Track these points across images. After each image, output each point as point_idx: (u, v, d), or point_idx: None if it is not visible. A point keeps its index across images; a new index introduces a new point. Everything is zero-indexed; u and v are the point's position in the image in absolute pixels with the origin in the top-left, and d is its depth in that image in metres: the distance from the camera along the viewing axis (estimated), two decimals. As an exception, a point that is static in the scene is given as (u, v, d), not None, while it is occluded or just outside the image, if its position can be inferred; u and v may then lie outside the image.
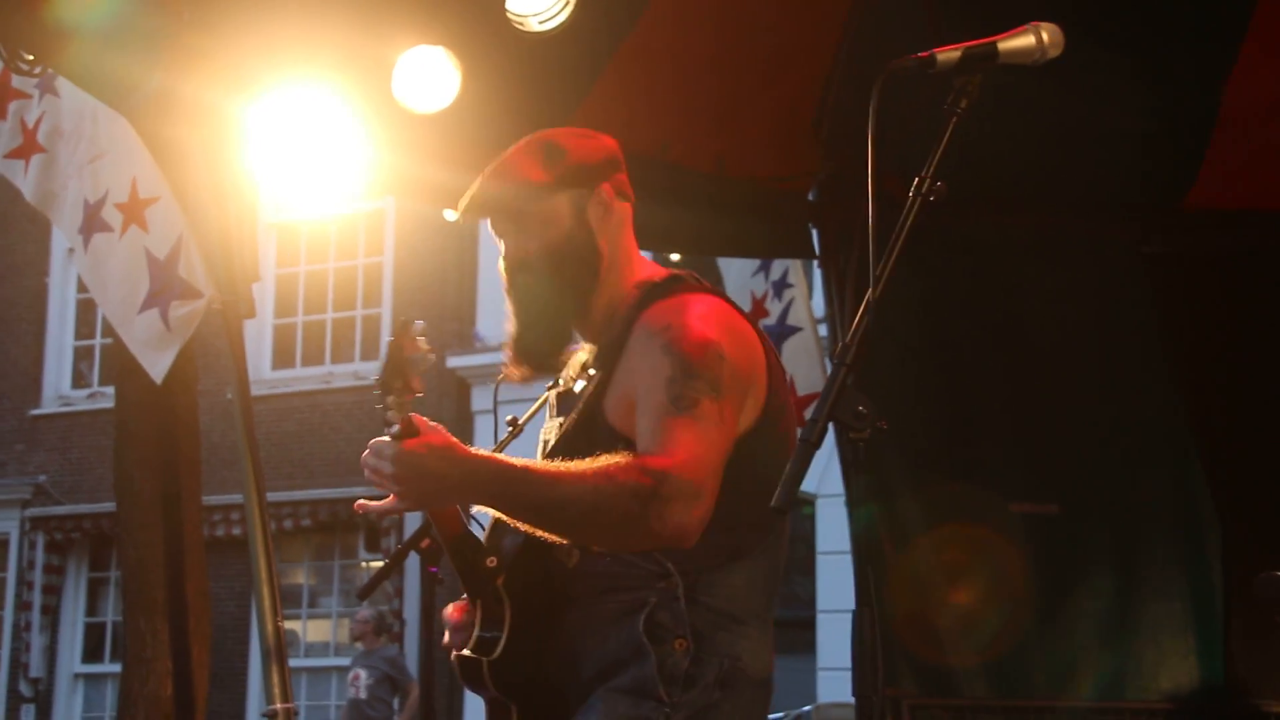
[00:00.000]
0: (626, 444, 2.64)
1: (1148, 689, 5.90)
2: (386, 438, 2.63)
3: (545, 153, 2.89)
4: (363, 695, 11.57)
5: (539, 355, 2.98)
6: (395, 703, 11.72)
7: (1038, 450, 5.91)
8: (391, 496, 2.67)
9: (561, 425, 2.87)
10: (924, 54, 2.36)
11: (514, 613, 2.77)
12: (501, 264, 2.97)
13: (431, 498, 2.68)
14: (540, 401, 3.27)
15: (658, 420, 2.62)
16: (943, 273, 5.68)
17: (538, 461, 2.64)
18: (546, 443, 2.94)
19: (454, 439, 2.63)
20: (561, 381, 3.04)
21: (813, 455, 2.21)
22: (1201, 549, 5.89)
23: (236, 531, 14.08)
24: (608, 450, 2.58)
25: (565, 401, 2.98)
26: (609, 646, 2.72)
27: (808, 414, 2.27)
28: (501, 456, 2.61)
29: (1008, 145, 5.27)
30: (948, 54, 2.36)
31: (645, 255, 3.09)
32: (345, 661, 13.71)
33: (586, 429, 2.75)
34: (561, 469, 2.56)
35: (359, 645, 12.22)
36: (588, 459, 2.57)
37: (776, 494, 2.20)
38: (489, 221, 2.97)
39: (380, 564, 3.29)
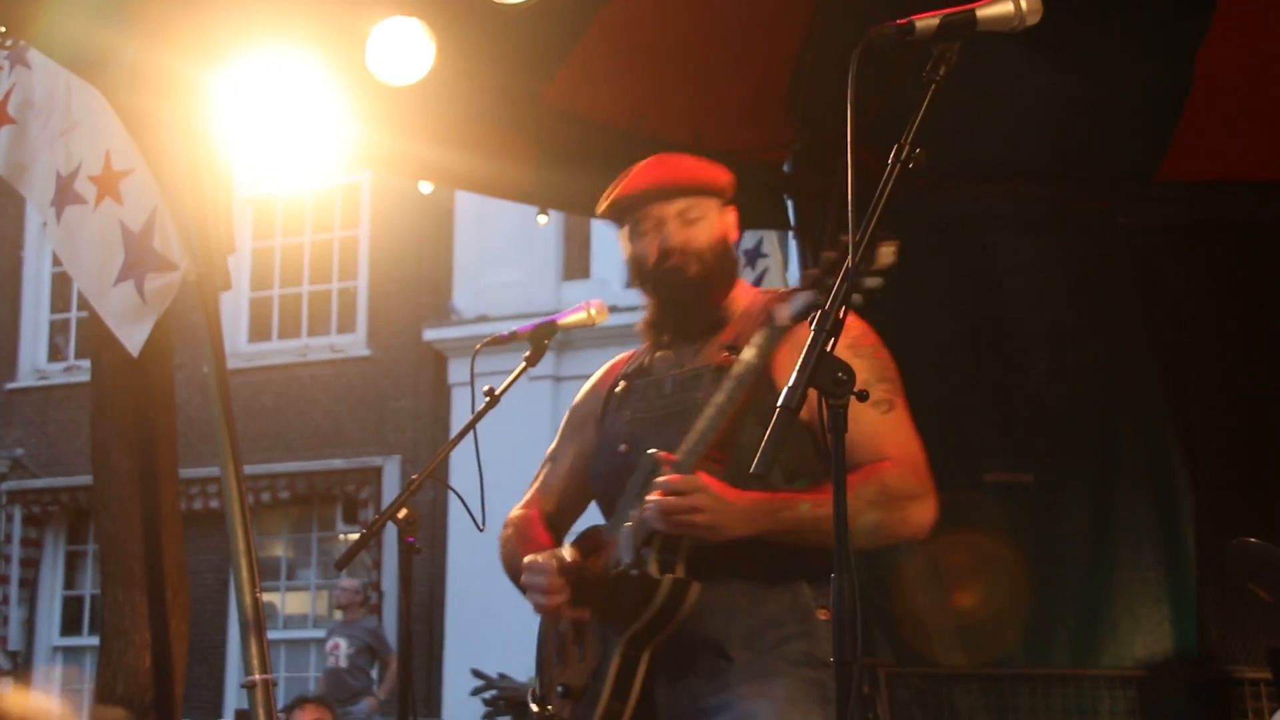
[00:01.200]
0: (804, 429, 2.82)
1: (1122, 656, 5.94)
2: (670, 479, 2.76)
3: (721, 167, 3.17)
4: (343, 664, 11.57)
5: (670, 334, 3.16)
6: (374, 673, 11.73)
7: (1013, 420, 5.94)
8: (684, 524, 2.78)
9: (700, 408, 2.91)
10: (903, 21, 2.36)
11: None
12: (656, 247, 3.09)
13: (724, 527, 2.78)
14: (515, 374, 3.33)
15: (872, 425, 2.86)
16: (919, 245, 5.69)
17: (791, 491, 2.83)
18: (637, 422, 3.09)
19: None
20: (652, 371, 3.17)
21: (792, 422, 2.21)
22: (1175, 517, 5.93)
23: (214, 505, 14.06)
24: None
25: (658, 389, 3.10)
26: (768, 610, 2.88)
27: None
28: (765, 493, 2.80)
29: (983, 117, 5.28)
30: (926, 21, 2.37)
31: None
32: (324, 634, 13.73)
33: (758, 412, 2.83)
34: (822, 487, 2.70)
35: (339, 615, 12.22)
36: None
37: (756, 460, 2.22)
38: (674, 205, 3.10)
39: (357, 535, 3.30)
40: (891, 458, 2.88)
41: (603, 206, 3.18)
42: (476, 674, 11.08)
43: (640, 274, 3.14)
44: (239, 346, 15.35)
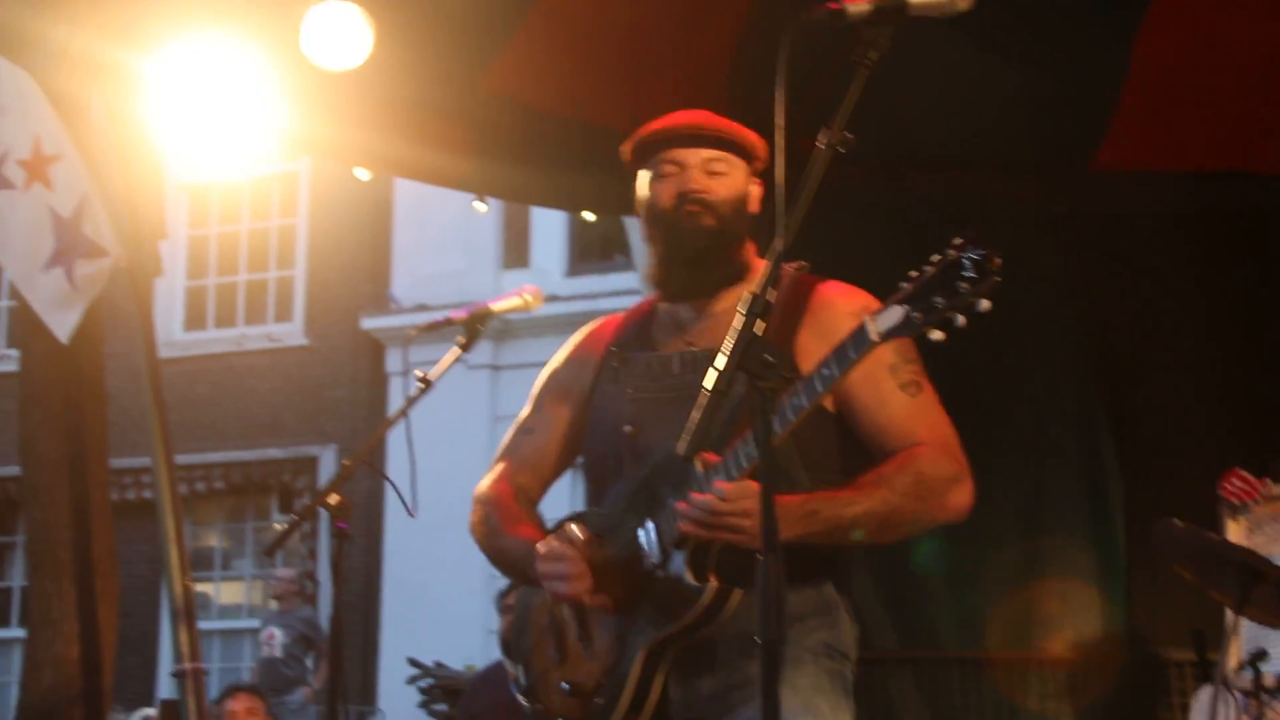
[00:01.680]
0: (830, 420, 2.82)
1: (1052, 640, 6.01)
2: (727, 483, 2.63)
3: (757, 136, 3.01)
4: (278, 654, 11.50)
5: (677, 285, 3.01)
6: (310, 662, 11.67)
7: (945, 406, 5.97)
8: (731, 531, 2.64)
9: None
10: (835, 5, 2.37)
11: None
12: (674, 190, 2.95)
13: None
14: (449, 359, 3.29)
15: (903, 408, 2.82)
16: (852, 233, 5.71)
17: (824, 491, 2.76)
18: (638, 400, 2.96)
19: None
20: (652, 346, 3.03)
21: (721, 404, 2.21)
22: (1105, 502, 6.00)
23: (148, 495, 13.90)
24: None
25: (664, 367, 2.96)
26: (793, 607, 2.78)
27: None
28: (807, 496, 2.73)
29: (915, 105, 5.31)
30: (858, 6, 2.37)
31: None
32: (259, 624, 13.65)
33: (804, 427, 2.72)
34: (856, 486, 2.74)
35: (275, 605, 12.14)
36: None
37: (683, 441, 2.21)
38: (700, 153, 2.97)
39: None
40: (925, 441, 2.80)
41: (627, 147, 3.04)
42: (412, 663, 11.06)
43: (652, 218, 2.98)
44: (174, 335, 15.21)
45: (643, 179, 3.02)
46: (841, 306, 2.86)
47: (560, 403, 3.12)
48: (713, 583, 2.67)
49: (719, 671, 2.80)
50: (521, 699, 2.99)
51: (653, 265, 3.02)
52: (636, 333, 3.06)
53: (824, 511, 2.70)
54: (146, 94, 4.32)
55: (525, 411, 3.19)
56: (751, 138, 3.00)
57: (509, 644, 3.17)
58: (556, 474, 3.16)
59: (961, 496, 2.82)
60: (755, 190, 3.01)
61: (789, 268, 2.94)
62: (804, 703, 2.75)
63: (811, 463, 2.82)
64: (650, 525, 2.76)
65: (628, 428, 2.92)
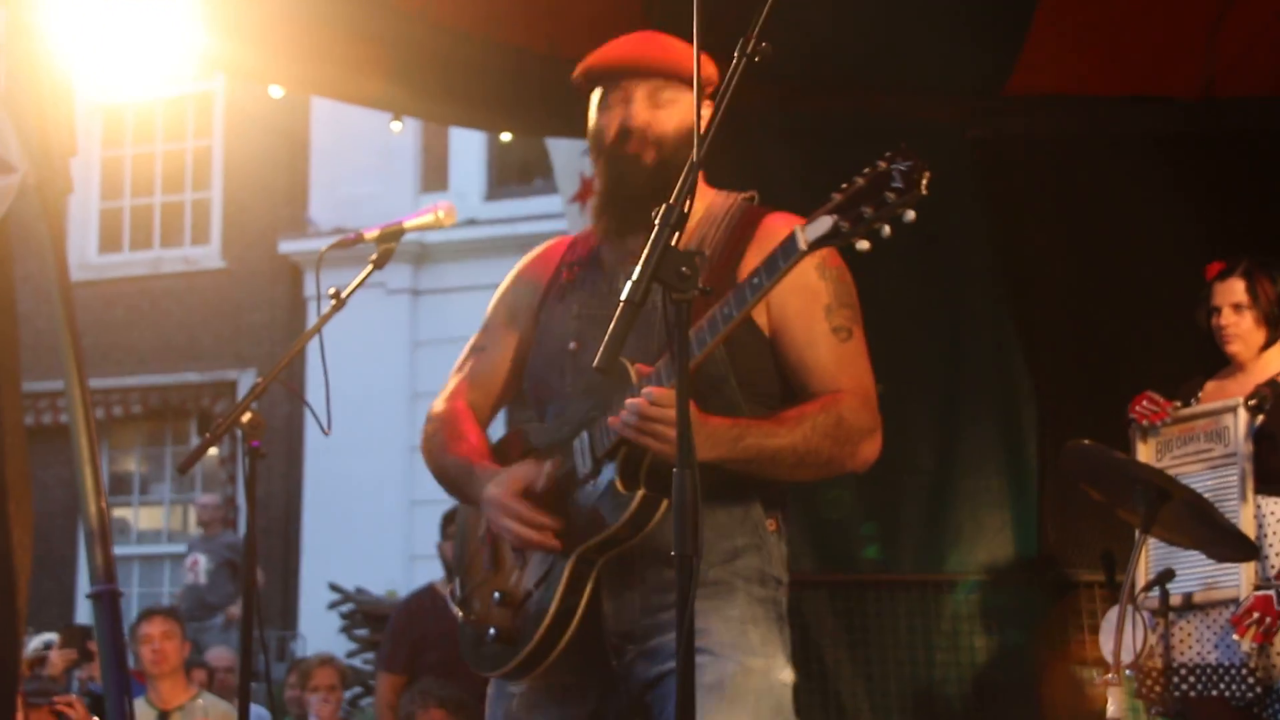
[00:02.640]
0: (752, 330, 2.80)
1: (966, 562, 6.10)
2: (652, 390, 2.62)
3: (708, 59, 2.91)
4: (202, 580, 11.45)
5: (618, 220, 2.95)
6: (234, 588, 11.64)
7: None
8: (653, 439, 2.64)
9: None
10: None
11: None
12: (617, 124, 2.91)
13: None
14: (362, 276, 3.26)
15: (831, 352, 2.83)
16: (771, 156, 5.72)
17: (755, 419, 2.76)
18: (585, 318, 2.95)
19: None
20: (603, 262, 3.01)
21: (636, 315, 2.21)
22: (1018, 427, 6.08)
23: (64, 419, 13.77)
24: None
25: (610, 285, 2.94)
26: (719, 521, 2.81)
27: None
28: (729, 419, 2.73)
29: (829, 28, 5.29)
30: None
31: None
32: (179, 548, 13.57)
33: (734, 341, 2.72)
34: (781, 419, 2.75)
35: (199, 531, 12.09)
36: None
37: (599, 354, 2.21)
38: (646, 84, 2.92)
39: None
40: (846, 389, 2.81)
41: (577, 72, 2.99)
42: (334, 588, 11.07)
43: (597, 149, 2.95)
44: (89, 258, 15.00)
45: (591, 105, 2.99)
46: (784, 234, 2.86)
47: (510, 320, 3.12)
48: (639, 492, 2.68)
49: (650, 586, 2.81)
50: (457, 610, 3.00)
51: (596, 201, 3.00)
52: (587, 253, 3.05)
53: (749, 438, 2.72)
54: (53, 7, 4.22)
55: (479, 331, 3.19)
56: (707, 69, 2.91)
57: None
58: (507, 392, 3.15)
59: (872, 449, 2.86)
60: (706, 113, 2.92)
61: (739, 197, 2.95)
62: (735, 635, 2.78)
63: (750, 390, 2.83)
64: (584, 435, 2.78)
65: (572, 344, 2.93)
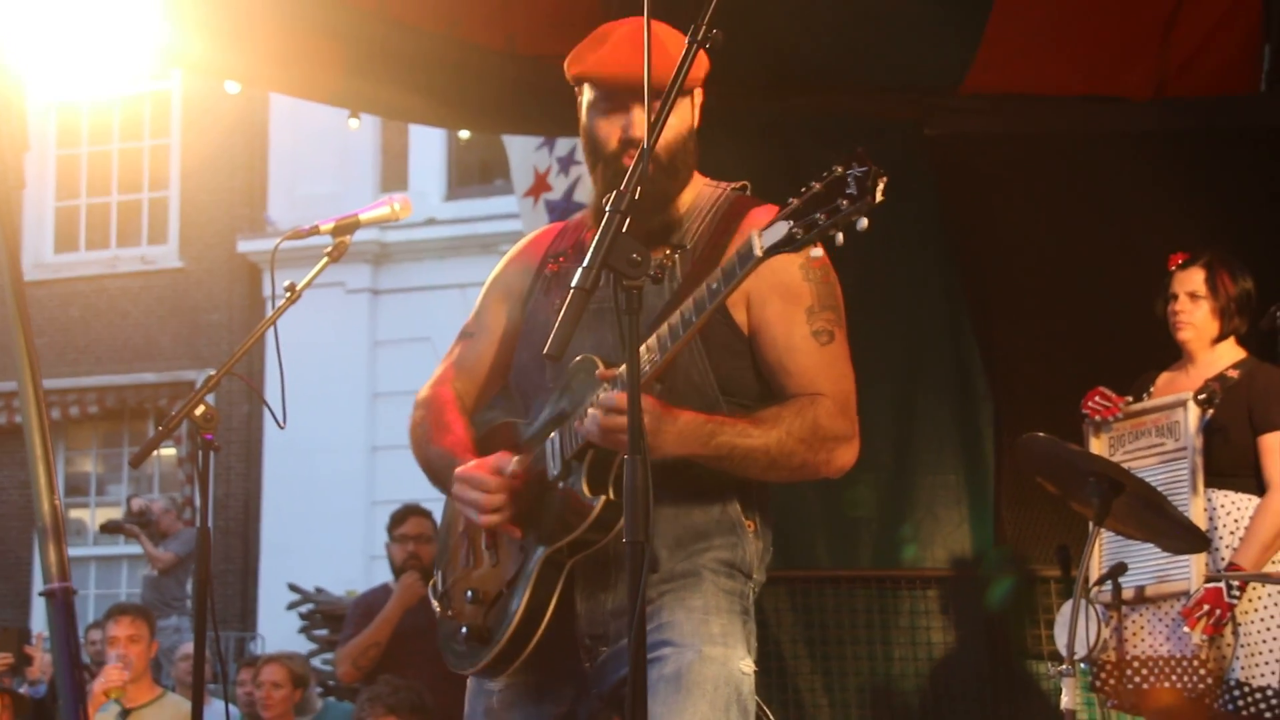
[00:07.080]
0: (732, 329, 2.78)
1: (923, 557, 6.13)
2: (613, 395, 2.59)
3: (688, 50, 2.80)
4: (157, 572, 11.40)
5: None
6: (189, 586, 11.57)
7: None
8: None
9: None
10: None
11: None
12: (618, 135, 2.83)
13: (659, 449, 2.64)
14: (318, 269, 3.25)
15: (810, 355, 2.78)
16: (733, 155, 5.72)
17: (730, 417, 2.73)
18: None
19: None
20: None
21: (586, 302, 2.21)
22: (975, 423, 6.12)
23: (19, 419, 13.68)
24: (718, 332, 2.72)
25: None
26: (694, 522, 2.80)
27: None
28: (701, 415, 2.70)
29: (787, 26, 5.31)
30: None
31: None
32: (135, 550, 13.48)
33: (706, 341, 2.75)
34: (756, 419, 2.71)
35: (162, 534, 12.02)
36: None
37: (550, 341, 2.21)
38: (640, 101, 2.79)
39: (168, 448, 3.24)
40: (825, 394, 2.78)
41: (572, 72, 2.91)
42: (293, 588, 11.03)
43: (594, 152, 2.88)
44: (44, 257, 14.90)
45: (584, 103, 2.91)
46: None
47: (499, 308, 3.09)
48: (602, 497, 2.67)
49: (622, 588, 2.78)
50: (435, 605, 3.00)
51: (592, 201, 2.96)
52: (574, 243, 3.01)
53: (721, 436, 2.69)
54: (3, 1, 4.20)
55: (470, 316, 3.16)
56: (695, 71, 2.78)
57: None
58: (494, 379, 3.12)
59: (847, 456, 2.82)
60: (699, 100, 2.92)
61: (729, 187, 2.93)
62: (697, 624, 2.77)
63: (729, 388, 2.81)
64: (554, 436, 2.77)
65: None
